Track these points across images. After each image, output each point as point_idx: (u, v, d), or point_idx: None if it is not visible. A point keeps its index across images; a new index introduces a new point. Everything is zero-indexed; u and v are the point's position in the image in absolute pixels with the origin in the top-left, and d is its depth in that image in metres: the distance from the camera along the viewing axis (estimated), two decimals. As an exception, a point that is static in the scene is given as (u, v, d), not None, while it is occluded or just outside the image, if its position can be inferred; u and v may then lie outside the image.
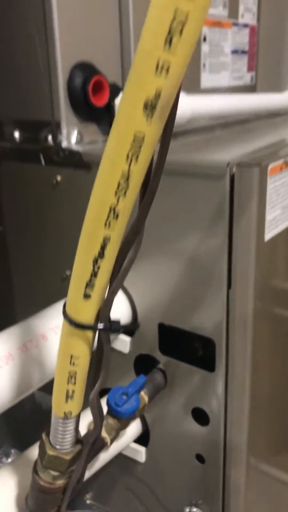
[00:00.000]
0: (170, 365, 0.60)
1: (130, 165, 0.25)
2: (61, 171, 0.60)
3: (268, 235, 0.53)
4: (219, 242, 0.50)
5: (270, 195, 0.51)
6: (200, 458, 0.61)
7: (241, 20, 0.86)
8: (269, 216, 0.52)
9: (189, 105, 0.62)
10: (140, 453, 0.66)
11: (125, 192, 0.26)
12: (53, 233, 0.64)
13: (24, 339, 0.50)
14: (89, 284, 0.31)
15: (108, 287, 0.32)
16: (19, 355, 0.49)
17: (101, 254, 0.29)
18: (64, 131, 0.59)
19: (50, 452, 0.42)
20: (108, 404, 0.53)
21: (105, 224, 0.28)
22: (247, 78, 0.91)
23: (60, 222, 0.62)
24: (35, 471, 0.45)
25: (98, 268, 0.30)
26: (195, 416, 0.60)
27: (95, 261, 0.30)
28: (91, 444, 0.44)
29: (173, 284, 0.56)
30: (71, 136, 0.59)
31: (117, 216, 0.27)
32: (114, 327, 0.33)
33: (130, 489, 0.71)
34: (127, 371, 0.64)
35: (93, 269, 0.30)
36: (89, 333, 0.34)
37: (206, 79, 0.80)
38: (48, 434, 0.43)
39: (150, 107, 0.23)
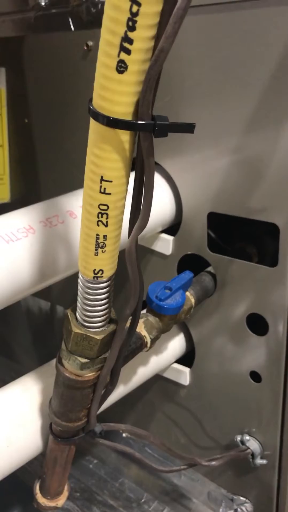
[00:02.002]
0: (221, 265, 0.50)
1: None
2: (93, 34, 0.51)
3: None
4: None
5: None
6: (255, 376, 0.52)
7: None
8: None
9: None
10: (184, 375, 0.58)
11: None
12: (85, 113, 0.54)
13: (48, 214, 0.42)
14: (125, 44, 0.22)
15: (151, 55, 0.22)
16: (42, 229, 0.40)
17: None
18: (96, -21, 0.49)
19: (76, 330, 0.34)
20: (148, 299, 0.45)
21: None
22: None
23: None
24: (58, 360, 0.37)
25: (138, 8, 0.20)
26: (251, 325, 0.50)
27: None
28: (129, 326, 0.35)
29: (227, 167, 0.46)
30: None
31: None
32: (160, 124, 0.24)
33: (171, 418, 0.62)
34: (170, 277, 0.55)
35: (130, 11, 0.21)
36: (125, 138, 0.25)
37: None
38: (74, 311, 0.35)
39: None
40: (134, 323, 0.35)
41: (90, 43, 0.51)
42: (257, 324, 0.50)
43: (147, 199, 0.27)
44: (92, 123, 0.25)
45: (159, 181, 0.52)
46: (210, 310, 0.53)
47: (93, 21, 0.50)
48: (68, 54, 0.54)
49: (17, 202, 0.68)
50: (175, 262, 0.54)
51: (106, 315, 0.34)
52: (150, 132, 0.24)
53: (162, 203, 0.51)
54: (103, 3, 0.49)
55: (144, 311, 0.46)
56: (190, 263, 0.53)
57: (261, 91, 0.42)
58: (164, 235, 0.54)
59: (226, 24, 0.42)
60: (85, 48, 0.51)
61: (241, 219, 0.47)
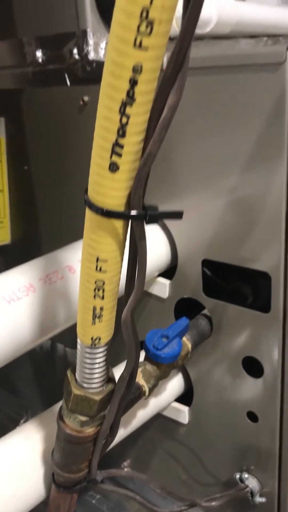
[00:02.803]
0: (216, 309, 0.52)
1: None
2: (88, 90, 0.53)
3: None
4: (276, 152, 0.42)
5: None
6: (252, 416, 0.53)
7: None
8: None
9: (236, 10, 0.54)
10: (183, 413, 0.59)
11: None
12: (81, 163, 0.56)
13: (48, 270, 0.43)
14: (116, 148, 0.24)
15: (141, 153, 0.24)
16: (42, 287, 0.42)
17: (131, 95, 0.22)
18: (91, 41, 0.51)
19: (76, 391, 0.35)
20: (145, 347, 0.46)
21: (138, 30, 0.20)
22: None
23: (88, 149, 0.54)
24: (60, 417, 0.38)
25: (127, 119, 0.23)
26: (247, 367, 0.52)
27: (122, 108, 0.22)
28: (127, 384, 0.36)
29: (220, 213, 0.48)
30: (100, 46, 0.51)
31: (151, 26, 0.20)
32: (151, 214, 0.25)
33: (172, 455, 0.63)
34: (167, 319, 0.56)
35: (120, 122, 0.23)
36: (119, 225, 0.27)
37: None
38: (74, 371, 0.36)
39: None
40: (131, 381, 0.37)
41: (86, 98, 0.53)
42: (253, 366, 0.51)
43: (140, 275, 0.29)
44: (88, 211, 0.27)
45: (154, 228, 0.53)
46: (207, 351, 0.54)
47: (89, 78, 0.52)
48: (65, 107, 0.56)
49: (18, 242, 0.70)
50: (172, 305, 0.56)
51: (104, 376, 0.35)
52: (142, 220, 0.26)
53: (157, 249, 0.53)
54: (97, 62, 0.51)
55: (141, 358, 0.47)
56: (187, 305, 0.55)
57: (252, 138, 0.43)
58: (160, 279, 0.56)
59: (215, 85, 0.44)
60: (81, 102, 0.53)
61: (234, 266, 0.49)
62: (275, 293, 0.47)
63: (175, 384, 0.58)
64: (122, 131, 0.23)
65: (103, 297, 0.30)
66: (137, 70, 0.21)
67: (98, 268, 0.28)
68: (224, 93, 0.44)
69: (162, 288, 0.55)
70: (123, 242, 0.28)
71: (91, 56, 0.51)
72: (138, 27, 0.20)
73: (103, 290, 0.30)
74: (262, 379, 0.51)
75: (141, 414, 0.54)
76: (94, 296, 0.30)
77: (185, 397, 0.60)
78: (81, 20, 0.51)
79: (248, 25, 0.58)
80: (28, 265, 0.44)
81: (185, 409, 0.59)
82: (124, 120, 0.23)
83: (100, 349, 0.33)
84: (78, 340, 0.34)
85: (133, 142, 0.24)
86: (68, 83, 0.54)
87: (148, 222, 0.26)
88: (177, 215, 0.26)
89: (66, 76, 0.54)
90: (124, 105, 0.22)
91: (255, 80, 0.41)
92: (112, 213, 0.26)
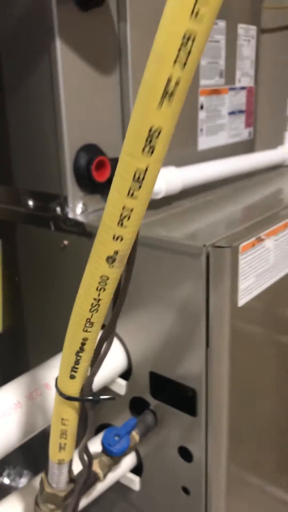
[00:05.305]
0: (159, 408, 0.68)
1: (99, 294, 0.34)
2: (68, 237, 0.70)
3: (242, 301, 0.61)
4: (197, 309, 0.59)
5: (242, 268, 0.59)
6: (186, 490, 0.69)
7: (238, 84, 0.94)
8: (242, 285, 0.60)
9: (180, 179, 0.71)
10: (135, 482, 0.75)
11: (97, 309, 0.35)
12: (61, 289, 0.73)
13: (31, 388, 0.59)
14: (73, 369, 0.40)
15: (89, 371, 0.41)
16: (26, 403, 0.58)
17: (82, 349, 0.38)
18: (70, 204, 0.68)
19: (47, 489, 0.51)
20: (102, 444, 0.62)
21: (84, 329, 0.37)
22: (244, 134, 0.99)
23: (67, 280, 0.71)
24: (36, 503, 0.54)
25: (80, 358, 0.39)
26: (181, 454, 0.68)
27: (77, 354, 0.39)
28: (83, 483, 0.53)
29: (161, 339, 0.65)
30: (76, 208, 0.68)
31: (93, 324, 0.36)
32: (95, 399, 0.42)
33: (127, 514, 0.79)
34: (124, 410, 0.73)
35: (76, 359, 0.39)
36: (76, 403, 0.43)
37: (204, 142, 0.88)
38: (46, 474, 0.52)
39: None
40: (87, 481, 0.53)
41: (66, 242, 0.70)
42: (186, 453, 0.67)
43: (90, 432, 0.45)
44: (56, 393, 0.43)
45: (115, 341, 0.70)
46: (153, 437, 0.70)
47: (68, 230, 0.69)
48: (50, 246, 0.72)
49: (6, 333, 0.86)
50: (127, 400, 0.72)
51: (67, 479, 0.51)
52: (90, 402, 0.42)
53: (116, 359, 0.69)
54: (74, 221, 0.68)
55: (100, 450, 0.63)
56: (139, 400, 0.71)
57: (179, 297, 0.60)
58: (119, 380, 0.72)
59: (152, 256, 0.61)
60: (62, 245, 0.70)
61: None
62: (200, 403, 0.63)
63: (128, 459, 0.74)
64: (77, 359, 0.39)
65: (66, 438, 0.46)
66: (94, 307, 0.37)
67: (62, 423, 0.45)
68: (162, 262, 0.61)
69: (120, 387, 0.72)
70: (80, 409, 0.45)
71: (70, 215, 0.68)
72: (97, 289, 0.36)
73: (66, 435, 0.46)
74: (192, 463, 0.67)
75: (100, 486, 0.69)
76: (60, 437, 0.46)
77: (137, 468, 0.76)
78: (63, 187, 0.68)
79: (193, 183, 0.75)
80: (17, 383, 0.60)
81: (136, 478, 0.75)
82: (80, 354, 0.39)
83: (64, 465, 0.49)
84: (49, 459, 0.50)
85: (83, 367, 0.40)
86: (53, 228, 0.71)
87: (94, 403, 0.42)
88: (111, 399, 0.43)
89: (51, 223, 0.71)
90: (77, 353, 0.39)
91: (184, 260, 0.58)
92: (71, 398, 0.42)
